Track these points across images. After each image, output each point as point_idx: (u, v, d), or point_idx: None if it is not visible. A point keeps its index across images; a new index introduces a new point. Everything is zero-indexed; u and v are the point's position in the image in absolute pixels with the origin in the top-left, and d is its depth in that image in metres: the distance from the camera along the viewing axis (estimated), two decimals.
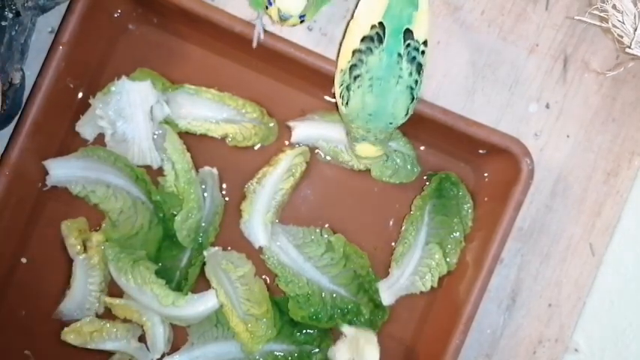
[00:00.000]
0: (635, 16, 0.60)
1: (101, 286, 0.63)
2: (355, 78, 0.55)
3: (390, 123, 0.56)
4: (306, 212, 0.66)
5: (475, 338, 0.66)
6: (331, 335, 0.65)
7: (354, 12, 0.57)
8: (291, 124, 0.64)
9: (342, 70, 0.57)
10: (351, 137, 0.59)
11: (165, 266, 0.64)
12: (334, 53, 0.63)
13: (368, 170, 0.65)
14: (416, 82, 0.55)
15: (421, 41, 0.55)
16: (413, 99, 0.56)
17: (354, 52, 0.56)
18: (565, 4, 0.67)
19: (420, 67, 0.56)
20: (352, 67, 0.56)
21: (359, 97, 0.55)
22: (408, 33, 0.55)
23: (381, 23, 0.55)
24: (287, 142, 0.65)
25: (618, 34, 0.62)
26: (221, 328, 0.64)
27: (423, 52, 0.56)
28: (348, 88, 0.56)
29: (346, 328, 0.63)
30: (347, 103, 0.56)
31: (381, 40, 0.55)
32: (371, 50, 0.55)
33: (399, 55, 0.55)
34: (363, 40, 0.55)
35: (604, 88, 0.67)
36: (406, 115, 0.56)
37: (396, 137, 0.64)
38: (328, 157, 0.65)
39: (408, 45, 0.55)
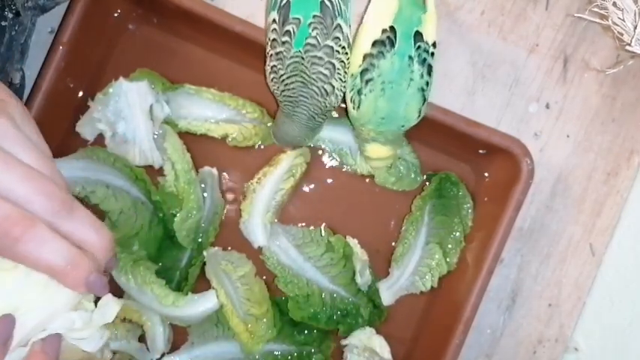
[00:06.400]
0: (636, 13, 0.60)
1: None
2: (367, 82, 0.55)
3: (402, 126, 0.57)
4: (307, 212, 0.66)
5: (475, 338, 0.66)
6: (331, 336, 0.65)
7: (362, 17, 0.57)
8: None
9: (352, 75, 0.57)
10: (362, 139, 0.59)
11: (165, 266, 0.64)
12: None
13: (372, 175, 0.65)
14: (427, 83, 0.56)
15: (430, 43, 0.56)
16: (424, 101, 0.56)
17: (365, 57, 0.55)
18: (565, 4, 0.67)
19: (430, 69, 0.56)
20: (364, 71, 0.55)
21: (371, 101, 0.55)
22: (418, 35, 0.55)
23: (392, 27, 0.55)
24: None
25: (618, 32, 0.62)
26: (221, 327, 0.64)
27: (432, 54, 0.56)
28: (359, 92, 0.56)
29: (346, 340, 0.63)
30: (358, 107, 0.56)
31: (392, 44, 0.55)
32: (383, 54, 0.55)
33: (410, 57, 0.55)
34: (374, 44, 0.55)
35: (604, 88, 0.67)
36: (418, 116, 0.57)
37: (402, 145, 0.64)
38: (333, 159, 0.65)
39: (419, 47, 0.55)
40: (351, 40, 0.57)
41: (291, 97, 0.57)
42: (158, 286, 0.61)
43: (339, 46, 0.55)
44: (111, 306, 0.42)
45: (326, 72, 0.55)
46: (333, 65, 0.55)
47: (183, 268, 0.64)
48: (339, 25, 0.55)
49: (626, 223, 0.68)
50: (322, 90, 0.56)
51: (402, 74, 0.55)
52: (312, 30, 0.54)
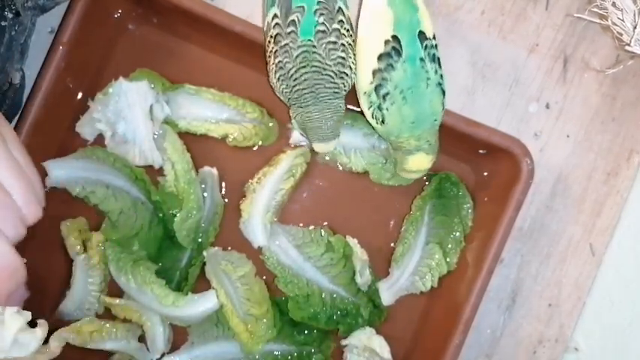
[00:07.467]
0: (635, 13, 0.60)
1: (101, 286, 0.63)
2: (384, 97, 0.55)
3: (435, 120, 0.57)
4: (306, 212, 0.66)
5: (475, 338, 0.66)
6: (331, 336, 0.65)
7: (355, 31, 0.57)
8: (290, 125, 0.64)
9: (365, 93, 0.57)
10: (404, 152, 0.58)
11: (165, 266, 0.64)
12: None
13: (366, 172, 0.65)
14: (441, 76, 0.56)
15: (432, 36, 0.56)
16: (444, 93, 0.56)
17: (374, 72, 0.55)
18: (565, 4, 0.67)
19: (439, 61, 0.56)
20: (377, 87, 0.56)
21: (395, 112, 0.56)
22: (421, 35, 0.55)
23: (394, 37, 0.55)
24: (290, 143, 0.65)
25: (618, 32, 0.62)
26: (221, 327, 0.64)
27: (436, 46, 0.56)
28: (379, 108, 0.56)
29: (346, 340, 0.63)
30: (382, 122, 0.56)
31: (399, 53, 0.55)
32: (392, 66, 0.55)
33: (422, 59, 0.55)
34: (380, 58, 0.55)
35: (604, 88, 0.67)
36: (443, 108, 0.57)
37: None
38: (327, 158, 0.65)
39: (426, 46, 0.55)
40: (353, 23, 0.57)
41: (305, 89, 0.56)
42: (158, 286, 0.61)
43: (344, 29, 0.55)
44: (14, 318, 0.42)
45: (342, 54, 0.55)
46: (344, 46, 0.55)
47: (183, 268, 0.64)
48: (340, 9, 0.55)
49: (626, 223, 0.68)
50: (340, 73, 0.56)
51: (418, 77, 0.55)
52: (319, 17, 0.54)
